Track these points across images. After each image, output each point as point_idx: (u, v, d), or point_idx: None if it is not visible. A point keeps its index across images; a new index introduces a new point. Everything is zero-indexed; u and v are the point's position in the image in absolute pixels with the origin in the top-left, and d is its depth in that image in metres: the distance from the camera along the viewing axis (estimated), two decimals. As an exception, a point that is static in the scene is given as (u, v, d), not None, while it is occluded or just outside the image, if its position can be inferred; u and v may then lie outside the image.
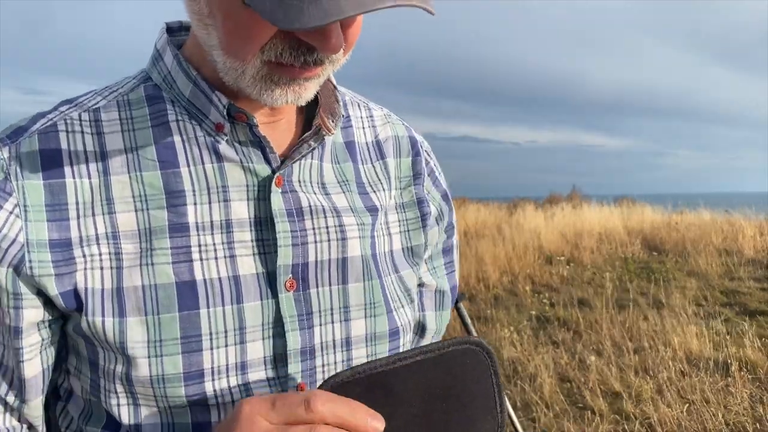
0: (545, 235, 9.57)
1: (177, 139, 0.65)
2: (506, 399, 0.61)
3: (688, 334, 4.86)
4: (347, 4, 0.49)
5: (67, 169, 0.62)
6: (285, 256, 0.65)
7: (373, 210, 0.74)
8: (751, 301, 6.10)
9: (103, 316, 0.61)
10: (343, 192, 0.72)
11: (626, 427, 3.57)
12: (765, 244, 8.42)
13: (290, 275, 0.66)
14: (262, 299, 0.65)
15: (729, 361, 4.32)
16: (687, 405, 3.70)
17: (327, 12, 0.49)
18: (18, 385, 0.63)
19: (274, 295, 0.65)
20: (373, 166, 0.77)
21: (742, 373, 4.12)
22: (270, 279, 0.65)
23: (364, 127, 0.78)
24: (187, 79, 0.65)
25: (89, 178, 0.62)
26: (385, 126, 0.80)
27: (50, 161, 0.62)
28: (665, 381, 4.06)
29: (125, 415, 0.63)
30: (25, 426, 0.66)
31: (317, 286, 0.68)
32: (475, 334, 3.40)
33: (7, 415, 0.64)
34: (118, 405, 0.63)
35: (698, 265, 7.65)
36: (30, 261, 0.59)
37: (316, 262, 0.68)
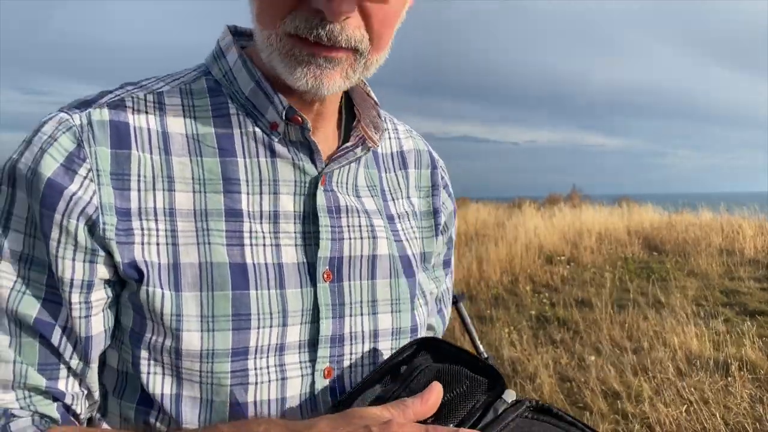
0: (545, 235, 9.57)
1: (236, 131, 0.69)
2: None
3: (688, 334, 4.86)
4: None
5: (133, 142, 0.66)
6: (325, 249, 0.70)
7: (390, 217, 0.80)
8: (751, 301, 6.10)
9: (161, 288, 0.63)
10: (372, 196, 0.78)
11: (626, 427, 3.57)
12: (765, 244, 8.42)
13: (327, 267, 0.71)
14: (302, 287, 0.69)
15: (729, 361, 4.32)
16: (687, 405, 3.70)
17: None
18: (84, 345, 0.65)
19: (313, 284, 0.70)
20: (396, 175, 0.83)
21: (742, 373, 4.11)
22: (310, 269, 0.70)
23: (390, 138, 0.85)
24: (249, 78, 0.69)
25: (151, 153, 0.66)
26: (408, 139, 0.87)
27: (118, 132, 0.65)
28: (665, 381, 4.06)
29: (166, 390, 0.65)
30: (85, 392, 0.67)
31: (349, 279, 0.72)
32: (474, 333, 3.40)
33: (70, 379, 0.65)
34: (162, 378, 0.65)
35: (698, 265, 7.65)
36: (104, 223, 0.63)
37: (350, 257, 0.72)
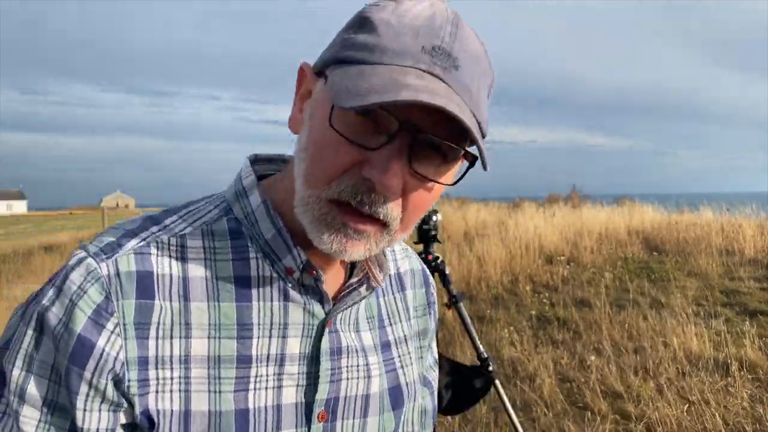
0: (545, 235, 9.57)
1: (253, 275, 0.72)
2: None
3: (688, 334, 4.86)
4: (405, 94, 0.57)
5: (156, 292, 0.68)
6: (323, 392, 0.74)
7: (386, 345, 0.83)
8: (751, 301, 6.10)
9: None
10: (369, 330, 0.81)
11: (626, 427, 3.57)
12: (765, 244, 8.42)
13: (323, 408, 0.74)
14: (297, 427, 0.73)
15: (729, 361, 4.32)
16: (687, 405, 3.70)
17: (385, 96, 0.57)
18: None
19: (308, 424, 0.73)
20: (394, 298, 0.87)
21: (742, 373, 4.12)
22: (306, 410, 0.73)
23: (388, 261, 0.86)
24: (271, 225, 0.72)
25: (171, 301, 0.68)
26: (404, 260, 0.91)
27: (143, 282, 0.67)
28: (665, 381, 4.06)
29: None
30: None
31: (343, 419, 0.76)
32: (474, 334, 3.40)
33: None
34: None
35: (698, 265, 7.65)
36: (129, 380, 0.66)
37: (346, 397, 0.76)
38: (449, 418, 3.64)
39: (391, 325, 0.85)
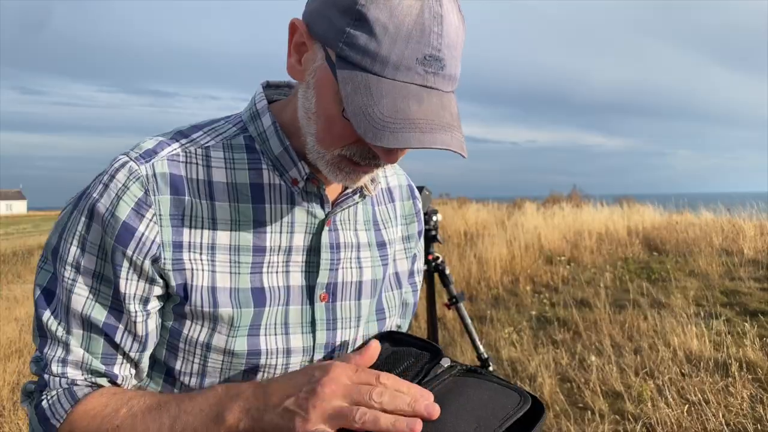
0: (545, 235, 9.57)
1: (266, 182, 0.88)
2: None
3: (688, 335, 4.86)
4: (413, 138, 0.70)
5: (186, 190, 0.84)
6: (323, 276, 0.91)
7: (381, 245, 1.01)
8: (751, 301, 6.09)
9: (202, 306, 0.83)
10: (366, 230, 0.99)
11: (626, 427, 3.57)
12: (765, 244, 8.41)
13: (324, 290, 0.91)
14: (302, 305, 0.90)
15: (729, 361, 4.31)
16: (687, 405, 3.70)
17: (399, 141, 0.70)
18: (144, 338, 0.86)
19: (311, 303, 0.90)
20: (386, 207, 1.04)
21: (743, 373, 4.11)
22: (310, 291, 0.91)
23: (379, 176, 1.02)
24: (279, 143, 0.88)
25: (200, 199, 0.84)
26: (393, 176, 1.09)
27: (175, 182, 0.84)
28: (665, 381, 4.06)
29: (194, 369, 0.87)
30: (134, 372, 0.88)
31: (341, 300, 0.93)
32: (474, 334, 3.41)
33: (124, 365, 0.86)
34: (192, 363, 0.87)
35: (698, 266, 7.64)
36: (164, 258, 0.82)
37: (342, 282, 0.93)
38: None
39: (385, 228, 1.03)
